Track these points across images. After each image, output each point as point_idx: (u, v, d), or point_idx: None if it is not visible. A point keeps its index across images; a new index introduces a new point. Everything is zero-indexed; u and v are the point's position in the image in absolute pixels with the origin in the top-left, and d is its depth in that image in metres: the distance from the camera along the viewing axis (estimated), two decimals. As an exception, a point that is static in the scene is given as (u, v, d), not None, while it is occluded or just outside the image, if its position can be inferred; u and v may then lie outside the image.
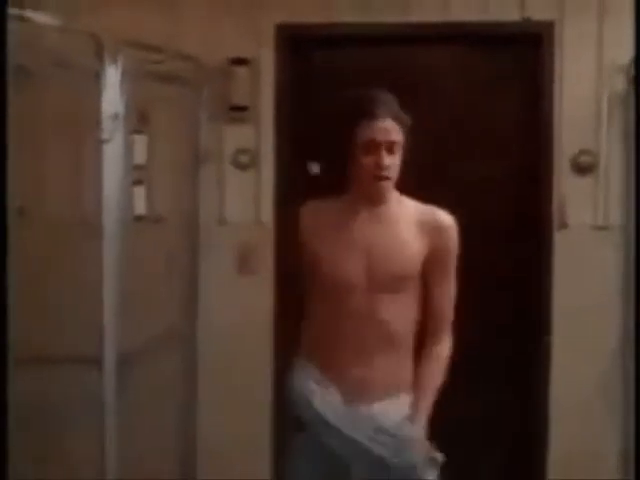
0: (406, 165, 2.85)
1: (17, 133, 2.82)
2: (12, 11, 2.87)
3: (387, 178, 2.81)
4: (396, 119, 2.79)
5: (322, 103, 4.33)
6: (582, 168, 4.35)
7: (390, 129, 2.78)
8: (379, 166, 2.78)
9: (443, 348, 2.93)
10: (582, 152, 4.34)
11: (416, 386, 2.89)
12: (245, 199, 4.49)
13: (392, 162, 2.80)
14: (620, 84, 4.21)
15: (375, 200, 2.87)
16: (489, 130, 4.49)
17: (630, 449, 4.13)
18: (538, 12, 4.34)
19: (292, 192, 4.40)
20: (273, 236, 4.44)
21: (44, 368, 3.35)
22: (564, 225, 4.36)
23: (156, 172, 3.94)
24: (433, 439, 2.84)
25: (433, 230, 2.87)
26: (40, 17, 2.98)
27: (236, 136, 4.46)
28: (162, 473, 4.22)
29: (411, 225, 2.87)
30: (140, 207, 3.76)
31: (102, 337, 3.48)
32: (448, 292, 2.92)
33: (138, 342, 3.72)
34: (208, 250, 4.42)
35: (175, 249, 4.25)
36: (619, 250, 4.30)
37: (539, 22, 4.33)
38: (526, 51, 4.41)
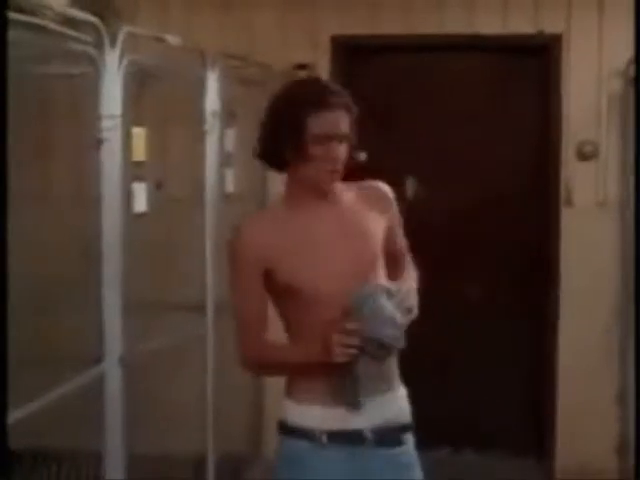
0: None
1: (149, 120, 3.65)
2: (152, 32, 3.77)
3: (337, 171, 2.57)
4: (347, 109, 2.55)
5: (370, 102, 5.20)
6: (585, 155, 5.20)
7: (342, 120, 2.54)
8: (333, 159, 2.53)
9: (412, 271, 2.82)
10: (585, 142, 5.19)
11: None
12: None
13: (341, 154, 2.55)
14: (617, 86, 5.02)
15: (325, 195, 2.61)
16: (507, 124, 5.37)
17: (624, 393, 4.99)
18: (549, 26, 5.17)
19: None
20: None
21: (159, 314, 4.12)
22: (570, 202, 5.22)
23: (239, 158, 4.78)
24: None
25: (381, 200, 2.72)
26: (170, 38, 3.85)
27: (299, 129, 5.33)
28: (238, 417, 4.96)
29: (363, 204, 2.68)
30: (229, 186, 4.60)
31: (205, 287, 4.36)
32: (402, 238, 2.83)
33: (224, 297, 4.55)
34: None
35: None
36: (616, 222, 5.12)
37: (550, 34, 5.18)
38: (538, 58, 5.28)
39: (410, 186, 5.32)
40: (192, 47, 4.21)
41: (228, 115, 4.57)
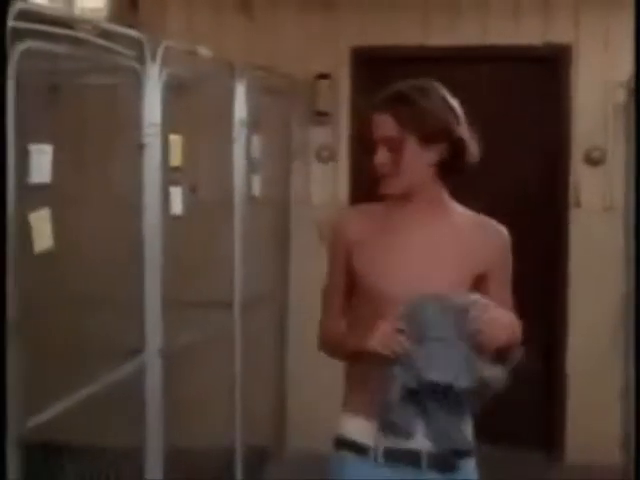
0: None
1: (183, 128, 3.89)
2: (187, 46, 4.03)
3: (385, 175, 2.48)
4: (392, 112, 2.44)
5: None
6: (593, 161, 5.47)
7: (382, 123, 2.45)
8: (374, 164, 2.48)
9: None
10: (593, 148, 5.47)
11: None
12: (326, 185, 5.66)
13: (388, 159, 2.46)
14: (621, 96, 5.21)
15: (419, 204, 2.54)
16: (519, 130, 5.63)
17: (629, 379, 5.17)
18: (557, 38, 5.45)
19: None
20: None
21: (189, 310, 4.34)
22: (578, 205, 5.50)
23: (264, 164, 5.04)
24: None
25: (487, 246, 2.56)
26: (203, 50, 4.10)
27: (319, 136, 5.64)
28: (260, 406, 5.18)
29: (466, 238, 2.54)
30: (255, 190, 4.86)
31: (233, 285, 4.62)
32: (507, 303, 2.60)
33: (249, 294, 4.82)
34: (297, 224, 5.59)
35: (273, 223, 5.39)
36: (621, 225, 5.31)
37: (558, 46, 5.45)
38: (548, 69, 5.55)
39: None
40: (222, 59, 4.46)
41: (254, 123, 4.83)
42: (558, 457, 5.57)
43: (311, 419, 5.08)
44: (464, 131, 2.57)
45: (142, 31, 3.61)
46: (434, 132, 2.48)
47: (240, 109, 4.63)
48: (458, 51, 5.51)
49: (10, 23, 2.50)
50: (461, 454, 2.53)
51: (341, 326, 2.60)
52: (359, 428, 2.51)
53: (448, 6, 5.50)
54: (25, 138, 2.65)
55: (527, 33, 5.48)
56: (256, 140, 4.85)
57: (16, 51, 2.55)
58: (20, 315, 2.56)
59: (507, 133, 5.61)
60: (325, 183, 5.67)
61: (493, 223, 2.61)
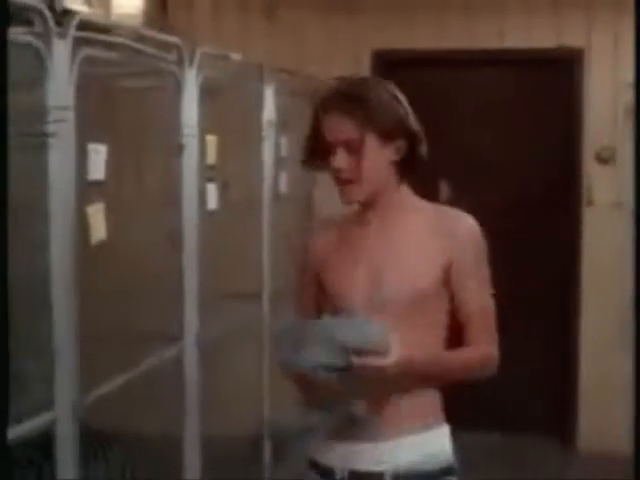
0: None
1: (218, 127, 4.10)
2: (220, 51, 4.25)
3: (349, 181, 2.31)
4: (347, 112, 2.26)
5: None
6: (604, 159, 5.68)
7: (337, 125, 2.28)
8: (333, 169, 2.31)
9: (483, 354, 2.41)
10: (604, 148, 5.68)
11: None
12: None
13: (350, 162, 2.29)
14: (631, 97, 5.42)
15: (375, 207, 2.37)
16: (533, 130, 5.84)
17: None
18: (570, 41, 5.66)
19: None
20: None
21: (221, 301, 4.55)
22: (591, 202, 5.71)
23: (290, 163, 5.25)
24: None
25: (450, 236, 2.35)
26: (234, 55, 4.33)
27: (340, 135, 5.82)
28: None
29: (428, 235, 2.36)
30: (282, 188, 5.08)
31: (261, 277, 4.85)
32: (482, 298, 2.40)
33: (276, 287, 5.03)
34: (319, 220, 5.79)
35: (298, 219, 5.62)
36: (631, 220, 5.54)
37: (571, 49, 5.66)
38: (561, 71, 5.77)
39: (443, 188, 5.79)
40: (251, 63, 4.68)
41: (281, 123, 5.04)
42: (570, 445, 5.77)
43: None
44: (416, 124, 2.39)
45: (172, 34, 3.82)
46: (393, 127, 2.30)
47: (269, 110, 4.85)
48: (475, 54, 5.73)
49: (72, 33, 2.73)
50: (437, 474, 2.35)
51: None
52: (325, 449, 2.40)
53: (465, 11, 5.72)
54: (83, 138, 2.87)
55: (541, 36, 5.69)
56: (283, 140, 5.07)
57: (77, 58, 2.78)
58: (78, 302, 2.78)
59: (521, 133, 5.84)
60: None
61: (457, 213, 2.41)
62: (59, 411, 2.68)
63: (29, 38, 2.54)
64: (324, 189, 5.79)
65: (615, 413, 5.35)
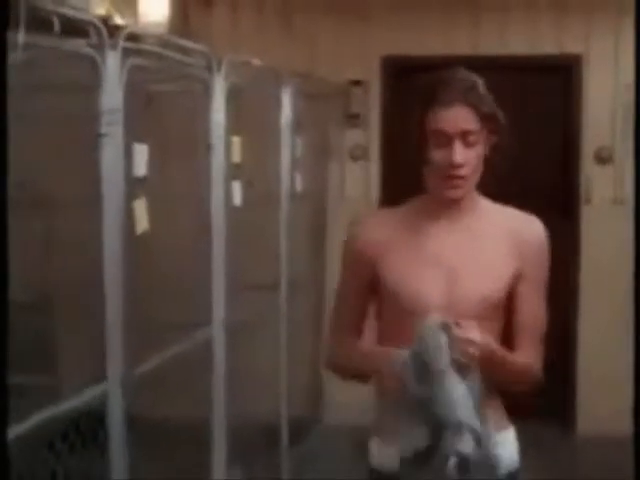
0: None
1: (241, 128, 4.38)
2: (243, 57, 4.54)
3: (461, 177, 2.24)
4: (471, 105, 2.21)
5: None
6: (602, 159, 5.95)
7: (462, 117, 2.21)
8: (451, 163, 2.21)
9: (529, 360, 2.41)
10: (602, 148, 5.95)
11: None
12: (359, 182, 6.18)
13: (467, 157, 2.22)
14: (629, 99, 5.71)
15: (451, 205, 2.31)
16: (534, 132, 6.09)
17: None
18: (571, 46, 5.96)
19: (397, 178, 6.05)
20: (377, 207, 6.04)
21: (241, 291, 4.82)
22: (589, 200, 5.98)
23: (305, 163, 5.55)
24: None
25: (521, 244, 2.34)
26: (255, 61, 4.62)
27: (352, 136, 6.16)
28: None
29: (499, 238, 2.33)
30: (298, 186, 5.37)
31: (279, 269, 5.14)
32: (538, 308, 2.39)
33: (293, 279, 5.33)
34: (333, 217, 6.11)
35: (312, 216, 5.91)
36: (629, 218, 5.79)
37: (571, 54, 5.96)
38: (562, 75, 6.07)
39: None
40: (270, 68, 4.97)
41: (297, 125, 5.34)
42: (570, 429, 6.03)
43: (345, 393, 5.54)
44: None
45: (194, 41, 4.10)
46: (500, 124, 2.31)
47: (286, 113, 5.15)
48: (479, 60, 5.98)
49: (122, 44, 3.04)
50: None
51: (357, 346, 2.42)
52: (390, 458, 2.25)
53: (470, 20, 6.01)
54: (129, 138, 3.17)
55: (542, 43, 5.98)
56: (299, 141, 5.36)
57: (126, 66, 3.08)
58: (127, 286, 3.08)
59: (524, 134, 6.11)
60: (358, 180, 6.18)
61: (526, 217, 2.41)
62: (111, 383, 2.97)
63: (88, 49, 2.83)
64: (336, 188, 6.15)
65: (614, 397, 5.45)
